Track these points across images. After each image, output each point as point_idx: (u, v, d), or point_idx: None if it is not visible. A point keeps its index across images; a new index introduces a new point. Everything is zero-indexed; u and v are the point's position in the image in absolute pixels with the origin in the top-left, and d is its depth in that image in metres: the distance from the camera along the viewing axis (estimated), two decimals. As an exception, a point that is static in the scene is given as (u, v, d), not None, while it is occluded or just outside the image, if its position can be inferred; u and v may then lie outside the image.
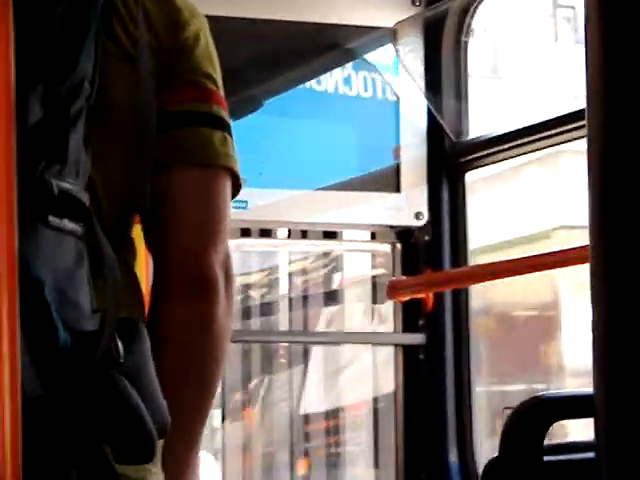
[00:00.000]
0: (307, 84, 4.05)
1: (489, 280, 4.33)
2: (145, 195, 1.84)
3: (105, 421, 1.61)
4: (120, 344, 1.61)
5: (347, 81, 4.05)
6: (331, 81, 4.04)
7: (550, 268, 4.17)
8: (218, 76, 1.96)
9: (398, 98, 4.01)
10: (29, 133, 1.58)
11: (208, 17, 2.40)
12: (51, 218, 1.59)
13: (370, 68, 4.06)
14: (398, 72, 4.06)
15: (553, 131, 3.54)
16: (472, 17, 3.89)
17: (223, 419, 6.13)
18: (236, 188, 1.97)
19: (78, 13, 1.74)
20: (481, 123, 4.65)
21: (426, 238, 3.87)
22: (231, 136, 1.97)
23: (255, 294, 7.07)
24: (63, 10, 1.71)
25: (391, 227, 3.97)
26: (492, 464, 1.58)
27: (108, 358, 1.63)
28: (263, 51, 3.96)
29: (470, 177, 4.03)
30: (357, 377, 6.03)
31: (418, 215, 3.84)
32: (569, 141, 3.54)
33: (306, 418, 6.89)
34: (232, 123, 3.45)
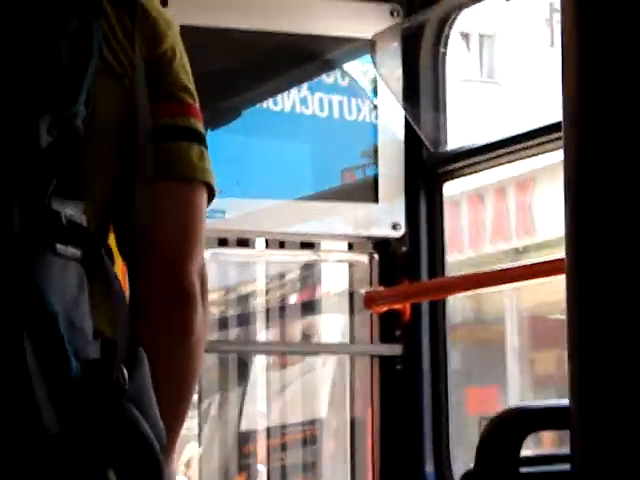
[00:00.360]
0: (285, 104, 4.02)
1: (466, 291, 4.38)
2: (144, 210, 1.82)
3: (115, 448, 1.68)
4: (125, 371, 1.67)
5: (320, 102, 4.04)
6: (299, 101, 4.02)
7: (525, 280, 4.11)
8: (193, 87, 1.97)
9: (376, 112, 3.98)
10: (38, 159, 1.66)
11: (186, 27, 2.42)
12: (59, 246, 1.64)
13: (344, 89, 4.02)
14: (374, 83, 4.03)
15: (531, 143, 3.51)
16: (450, 28, 3.88)
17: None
18: (210, 199, 1.98)
19: (81, 43, 1.79)
20: (476, 128, 4.73)
21: (403, 249, 3.85)
22: (207, 148, 1.97)
23: (232, 304, 7.17)
24: (69, 41, 1.78)
25: (368, 238, 3.95)
26: (467, 476, 1.59)
27: (116, 386, 1.68)
28: (243, 61, 3.90)
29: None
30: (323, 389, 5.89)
31: (395, 226, 3.82)
32: (547, 152, 3.53)
33: (278, 429, 6.91)
34: (210, 132, 3.55)
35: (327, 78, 4.09)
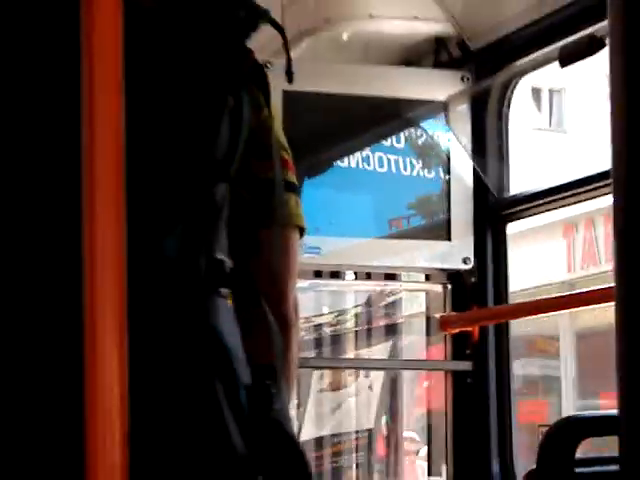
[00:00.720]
0: (367, 161, 4.36)
1: (526, 316, 4.73)
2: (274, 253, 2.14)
3: (277, 460, 1.99)
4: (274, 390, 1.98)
5: (402, 162, 4.38)
6: (387, 161, 4.37)
7: (576, 307, 4.61)
8: (286, 144, 2.23)
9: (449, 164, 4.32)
10: (215, 218, 1.96)
11: (287, 92, 2.72)
12: (222, 290, 1.95)
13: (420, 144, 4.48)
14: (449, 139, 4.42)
15: (581, 189, 3.83)
16: (512, 92, 4.19)
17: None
18: (301, 236, 2.25)
19: (236, 116, 2.02)
20: (542, 174, 5.02)
21: (472, 280, 4.19)
22: (299, 195, 2.26)
23: (326, 327, 7.59)
24: (228, 115, 2.01)
25: (443, 270, 4.30)
26: (529, 475, 2.04)
27: (270, 404, 1.98)
28: (335, 121, 4.25)
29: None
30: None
31: (466, 260, 4.15)
32: (595, 198, 3.86)
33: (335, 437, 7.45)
34: (309, 180, 3.80)
35: (396, 140, 4.43)
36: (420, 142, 4.55)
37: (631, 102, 1.45)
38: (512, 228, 4.39)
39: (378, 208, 4.48)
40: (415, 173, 4.47)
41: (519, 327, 5.29)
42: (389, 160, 4.43)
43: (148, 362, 1.84)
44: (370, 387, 7.46)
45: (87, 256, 1.25)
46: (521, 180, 4.82)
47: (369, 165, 4.43)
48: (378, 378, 7.02)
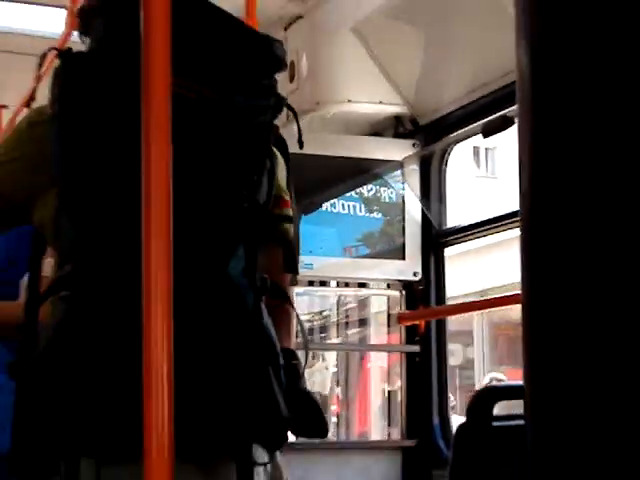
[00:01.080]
0: (348, 204, 5.05)
1: (456, 314, 5.31)
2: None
3: (306, 417, 2.23)
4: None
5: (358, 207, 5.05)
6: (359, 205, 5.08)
7: (491, 307, 5.14)
8: (286, 187, 2.36)
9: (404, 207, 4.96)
10: (254, 252, 2.16)
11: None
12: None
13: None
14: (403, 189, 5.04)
15: (498, 223, 4.51)
16: (449, 154, 4.91)
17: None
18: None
19: (270, 174, 2.18)
20: (479, 209, 5.60)
21: (420, 287, 4.87)
22: (295, 225, 2.41)
23: (316, 321, 8.09)
24: (267, 175, 2.17)
25: (399, 280, 4.96)
26: (461, 427, 2.06)
27: (298, 380, 2.24)
28: (324, 174, 4.80)
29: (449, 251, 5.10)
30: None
31: (415, 274, 4.83)
32: (504, 231, 4.59)
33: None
34: (304, 217, 4.01)
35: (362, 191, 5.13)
36: (380, 191, 5.14)
37: (534, 161, 1.58)
38: (457, 248, 5.10)
39: (340, 239, 5.12)
40: (367, 214, 5.14)
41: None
42: (349, 205, 5.09)
43: (223, 352, 2.13)
44: (326, 367, 8.70)
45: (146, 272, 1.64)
46: (467, 213, 5.39)
47: (335, 208, 5.05)
48: (332, 359, 8.09)
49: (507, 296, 4.80)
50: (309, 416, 2.25)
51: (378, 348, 5.13)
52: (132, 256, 1.84)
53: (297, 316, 2.36)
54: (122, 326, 1.94)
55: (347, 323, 6.40)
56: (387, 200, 5.12)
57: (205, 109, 2.12)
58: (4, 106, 6.16)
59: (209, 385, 2.04)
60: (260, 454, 2.14)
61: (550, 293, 1.52)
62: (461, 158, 5.02)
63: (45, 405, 2.05)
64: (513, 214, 4.27)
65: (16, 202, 2.34)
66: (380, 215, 5.13)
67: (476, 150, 17.97)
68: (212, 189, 2.16)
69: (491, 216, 4.70)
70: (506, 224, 4.50)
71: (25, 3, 5.15)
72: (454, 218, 5.20)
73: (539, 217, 1.58)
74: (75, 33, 3.79)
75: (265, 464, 2.13)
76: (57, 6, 4.88)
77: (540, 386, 1.56)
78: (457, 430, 2.12)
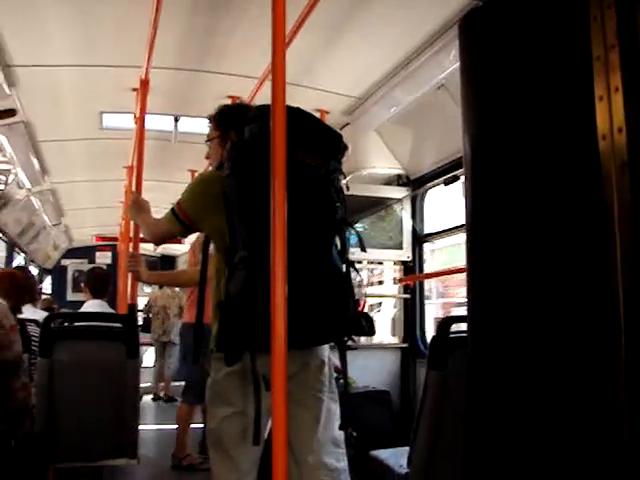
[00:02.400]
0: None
1: (428, 278, 5.82)
2: None
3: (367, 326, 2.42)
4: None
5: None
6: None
7: (449, 274, 5.91)
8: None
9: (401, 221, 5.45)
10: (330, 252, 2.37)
11: None
12: None
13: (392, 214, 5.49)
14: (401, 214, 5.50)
15: (454, 230, 5.04)
16: (425, 194, 5.47)
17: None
18: None
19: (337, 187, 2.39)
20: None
21: (410, 264, 5.57)
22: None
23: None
24: (334, 188, 2.38)
25: (401, 261, 5.64)
26: (433, 337, 2.88)
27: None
28: (361, 204, 5.37)
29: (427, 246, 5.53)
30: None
31: (408, 257, 5.53)
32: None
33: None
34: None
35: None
36: (390, 214, 5.56)
37: (473, 197, 1.92)
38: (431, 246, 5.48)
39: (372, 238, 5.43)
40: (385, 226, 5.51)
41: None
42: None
43: (329, 291, 2.33)
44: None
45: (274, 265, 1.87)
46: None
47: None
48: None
49: (456, 268, 5.51)
50: (369, 325, 2.45)
51: (389, 296, 5.66)
52: (263, 246, 2.10)
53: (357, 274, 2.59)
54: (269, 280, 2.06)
55: (372, 283, 6.74)
56: (393, 218, 5.60)
57: (317, 169, 2.33)
58: (195, 170, 6.61)
59: (324, 307, 2.28)
60: (326, 349, 2.47)
61: (482, 270, 1.81)
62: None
63: (233, 324, 2.29)
64: (460, 226, 4.83)
65: (195, 222, 2.65)
66: (391, 226, 5.54)
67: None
68: (323, 209, 2.37)
69: (447, 227, 5.24)
70: (459, 229, 4.98)
71: (205, 118, 5.00)
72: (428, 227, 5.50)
73: (476, 227, 1.89)
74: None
75: (352, 349, 2.42)
76: None
77: (475, 315, 1.87)
78: (432, 339, 2.93)
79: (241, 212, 2.32)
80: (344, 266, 2.38)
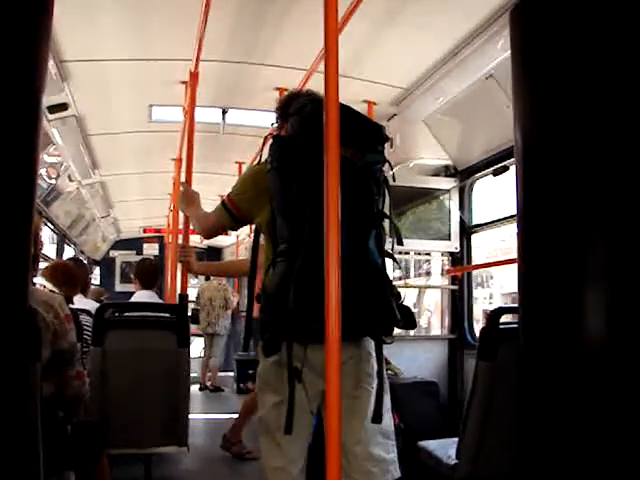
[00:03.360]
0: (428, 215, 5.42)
1: (476, 269, 5.74)
2: None
3: (407, 319, 2.40)
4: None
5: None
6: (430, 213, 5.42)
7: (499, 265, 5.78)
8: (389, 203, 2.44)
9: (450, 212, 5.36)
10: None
11: None
12: None
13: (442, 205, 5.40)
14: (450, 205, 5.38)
15: (506, 221, 4.86)
16: (473, 185, 5.34)
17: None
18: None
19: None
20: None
21: (458, 255, 5.47)
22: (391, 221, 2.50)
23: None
24: (375, 182, 2.36)
25: (449, 252, 5.55)
26: (483, 328, 2.94)
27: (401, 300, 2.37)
28: (409, 196, 5.46)
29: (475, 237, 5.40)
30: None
31: (456, 248, 5.44)
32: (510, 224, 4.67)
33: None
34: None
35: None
36: (437, 206, 5.50)
37: (524, 187, 1.89)
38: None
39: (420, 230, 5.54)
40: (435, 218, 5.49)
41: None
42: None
43: (368, 284, 2.32)
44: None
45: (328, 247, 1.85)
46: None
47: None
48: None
49: (506, 259, 5.42)
50: (408, 318, 2.44)
51: (437, 287, 5.57)
52: (315, 238, 2.13)
53: (397, 265, 2.64)
54: (313, 272, 2.16)
55: (420, 274, 6.64)
56: (441, 209, 5.54)
57: (352, 162, 2.33)
58: (242, 162, 6.72)
59: (362, 300, 2.27)
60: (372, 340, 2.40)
61: (535, 267, 1.77)
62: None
63: (269, 316, 2.33)
64: (509, 217, 4.78)
65: (246, 215, 2.68)
66: (439, 217, 5.51)
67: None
68: (362, 203, 2.38)
69: (495, 218, 5.14)
70: (504, 221, 4.93)
71: (253, 110, 5.42)
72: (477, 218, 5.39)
73: (528, 217, 1.85)
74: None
75: (388, 343, 2.40)
76: (271, 111, 4.70)
77: (527, 307, 1.83)
78: (482, 329, 2.90)
79: (280, 206, 2.34)
80: (381, 259, 2.38)
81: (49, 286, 3.87)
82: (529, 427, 1.88)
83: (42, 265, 4.11)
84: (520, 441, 1.97)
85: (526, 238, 1.87)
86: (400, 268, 2.40)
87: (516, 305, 2.06)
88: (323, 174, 1.93)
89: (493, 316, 2.91)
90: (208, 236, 2.91)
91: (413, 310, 2.48)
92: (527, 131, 1.88)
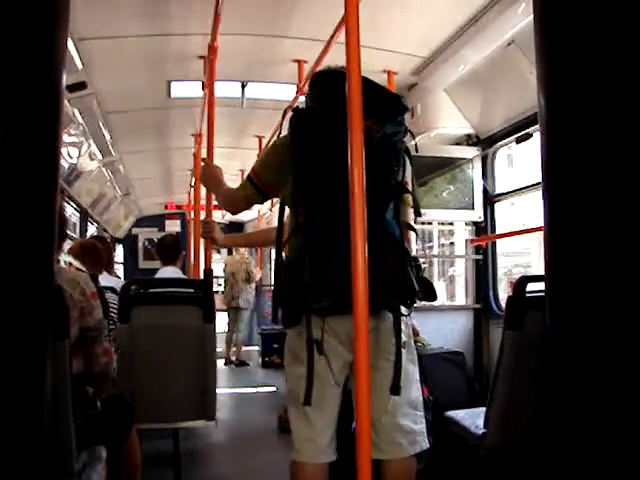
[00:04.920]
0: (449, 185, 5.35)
1: (500, 238, 5.50)
2: None
3: (427, 291, 2.45)
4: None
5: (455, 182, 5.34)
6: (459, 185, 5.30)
7: (522, 234, 5.59)
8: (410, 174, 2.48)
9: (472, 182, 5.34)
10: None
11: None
12: None
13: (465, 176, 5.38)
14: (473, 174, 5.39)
15: (529, 190, 4.81)
16: (496, 154, 5.37)
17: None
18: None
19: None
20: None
21: (482, 225, 5.45)
22: (412, 193, 2.51)
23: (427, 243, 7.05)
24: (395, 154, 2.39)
25: (473, 221, 5.53)
26: (509, 298, 2.98)
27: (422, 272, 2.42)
28: (431, 166, 5.38)
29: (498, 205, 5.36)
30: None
31: (480, 217, 5.42)
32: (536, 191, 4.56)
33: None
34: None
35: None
36: (460, 175, 5.44)
37: (548, 156, 1.82)
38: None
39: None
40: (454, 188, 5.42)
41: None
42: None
43: (387, 256, 2.33)
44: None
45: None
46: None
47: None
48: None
49: (530, 228, 5.17)
50: (428, 290, 2.46)
51: (461, 257, 5.59)
52: (332, 210, 2.22)
53: (416, 237, 2.58)
54: (328, 244, 2.21)
55: (443, 244, 6.72)
56: (464, 178, 5.49)
57: (369, 132, 2.29)
58: (262, 136, 6.80)
59: (380, 272, 2.23)
60: (403, 311, 2.42)
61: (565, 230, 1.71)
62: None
63: (287, 288, 2.38)
64: (532, 185, 4.76)
65: (271, 188, 2.70)
66: (461, 186, 5.46)
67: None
68: (380, 174, 2.37)
69: (518, 186, 5.13)
70: (528, 189, 4.88)
71: (272, 83, 5.48)
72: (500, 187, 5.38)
73: (555, 182, 1.78)
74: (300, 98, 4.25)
75: (406, 315, 2.42)
76: (290, 83, 5.22)
77: (554, 275, 1.78)
78: (508, 298, 2.93)
79: (299, 178, 2.36)
80: (399, 231, 2.39)
81: (75, 264, 3.94)
82: (556, 396, 1.85)
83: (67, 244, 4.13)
84: (546, 410, 1.97)
85: (552, 205, 1.81)
86: (421, 239, 2.31)
87: (542, 274, 1.99)
88: (341, 146, 1.94)
89: (519, 284, 2.91)
90: (235, 211, 2.91)
91: (437, 281, 2.45)
92: (551, 97, 1.84)
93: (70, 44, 4.01)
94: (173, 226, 12.67)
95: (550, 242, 1.82)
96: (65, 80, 1.77)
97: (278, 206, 2.59)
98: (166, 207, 12.04)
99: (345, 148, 1.94)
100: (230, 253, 10.52)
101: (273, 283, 2.49)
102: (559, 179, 1.79)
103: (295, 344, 2.45)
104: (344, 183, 1.95)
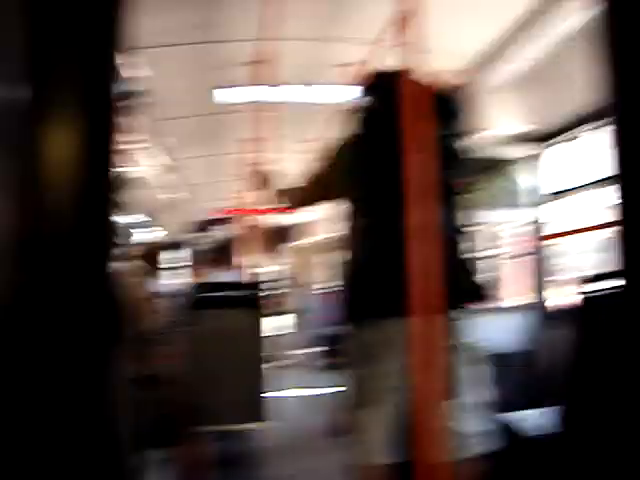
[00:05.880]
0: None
1: (558, 237, 5.08)
2: None
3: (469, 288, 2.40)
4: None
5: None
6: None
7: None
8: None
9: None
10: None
11: None
12: None
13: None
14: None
15: (584, 188, 4.51)
16: (549, 149, 4.92)
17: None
18: None
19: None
20: None
21: (540, 224, 5.06)
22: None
23: None
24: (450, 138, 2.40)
25: (526, 221, 5.13)
26: (582, 281, 2.80)
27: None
28: (479, 165, 4.20)
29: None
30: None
31: (533, 217, 5.03)
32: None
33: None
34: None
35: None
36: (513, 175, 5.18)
37: (621, 151, 1.76)
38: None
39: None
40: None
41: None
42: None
43: (450, 258, 2.34)
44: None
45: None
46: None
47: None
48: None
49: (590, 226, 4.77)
50: (480, 292, 2.50)
51: (517, 256, 5.48)
52: (393, 213, 2.24)
53: (474, 238, 2.56)
54: (392, 248, 2.26)
55: (497, 245, 6.34)
56: (517, 179, 5.26)
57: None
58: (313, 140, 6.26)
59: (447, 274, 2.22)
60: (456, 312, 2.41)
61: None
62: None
63: (355, 288, 2.40)
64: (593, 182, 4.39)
65: (334, 190, 2.68)
66: (515, 186, 5.25)
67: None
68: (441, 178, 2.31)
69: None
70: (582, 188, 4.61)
71: (322, 85, 5.41)
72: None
73: (629, 176, 1.73)
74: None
75: (460, 319, 2.43)
76: (337, 86, 5.20)
77: (631, 273, 1.71)
78: (570, 297, 3.10)
79: (361, 180, 2.39)
80: (452, 233, 2.40)
81: (140, 267, 3.96)
82: (624, 393, 1.89)
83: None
84: (624, 409, 1.95)
85: (627, 200, 1.78)
86: (471, 241, 2.40)
87: (604, 271, 2.13)
88: (402, 146, 1.98)
89: (585, 283, 2.87)
90: (304, 209, 2.99)
91: (490, 282, 2.42)
92: (626, 90, 1.80)
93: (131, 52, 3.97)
94: (224, 230, 12.68)
95: (626, 237, 1.78)
96: (126, 87, 1.79)
97: (339, 207, 2.61)
98: (219, 212, 12.06)
99: (396, 150, 2.03)
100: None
101: (339, 284, 2.50)
102: (634, 172, 1.76)
103: (362, 345, 2.44)
104: (398, 186, 2.03)
